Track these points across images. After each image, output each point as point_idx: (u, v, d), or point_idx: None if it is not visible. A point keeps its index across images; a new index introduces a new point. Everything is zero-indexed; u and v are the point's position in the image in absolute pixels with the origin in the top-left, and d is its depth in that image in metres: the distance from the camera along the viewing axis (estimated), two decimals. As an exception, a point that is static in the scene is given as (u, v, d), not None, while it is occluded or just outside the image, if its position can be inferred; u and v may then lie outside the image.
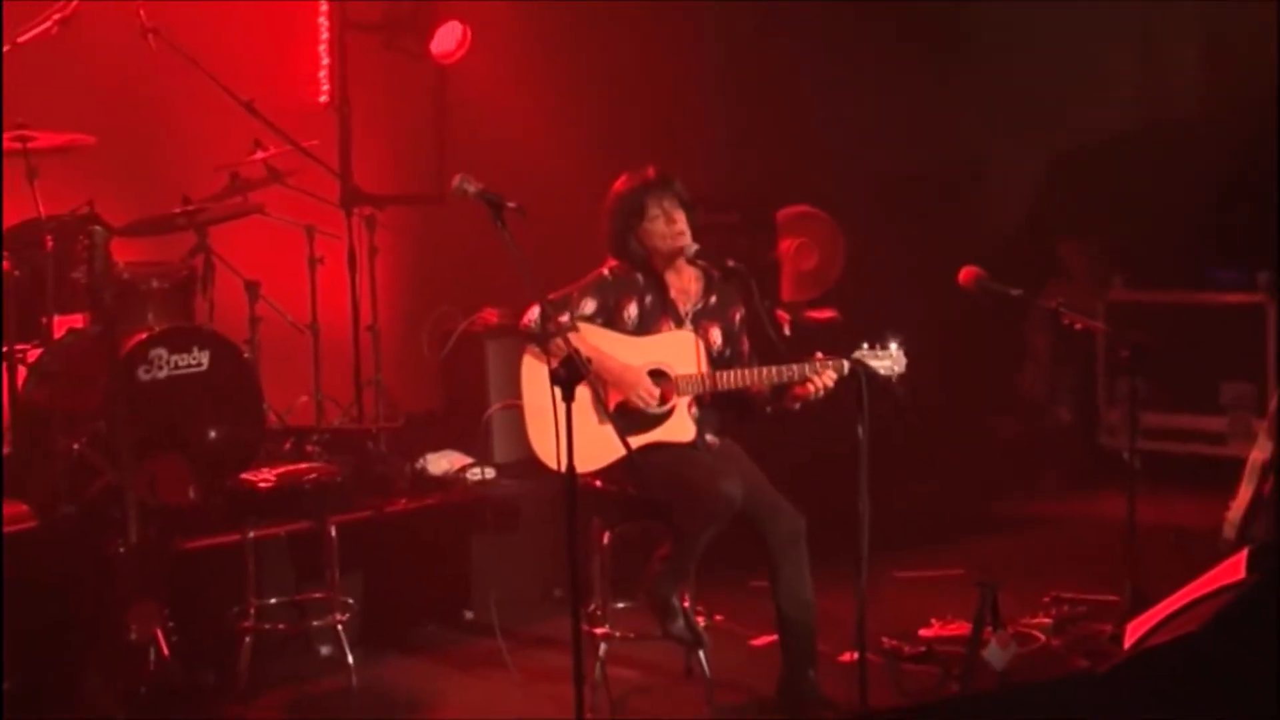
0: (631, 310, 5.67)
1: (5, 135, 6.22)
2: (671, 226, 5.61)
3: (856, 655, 5.01)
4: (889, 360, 5.33)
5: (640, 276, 5.70)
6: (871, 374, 5.27)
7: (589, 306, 5.58)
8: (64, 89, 6.54)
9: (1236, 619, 4.67)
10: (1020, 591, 6.35)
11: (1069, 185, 10.40)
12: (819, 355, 5.44)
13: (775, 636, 5.65)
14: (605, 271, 5.69)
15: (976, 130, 10.57)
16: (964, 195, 10.48)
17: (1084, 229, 9.73)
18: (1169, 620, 4.97)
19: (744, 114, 9.77)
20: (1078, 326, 9.02)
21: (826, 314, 8.56)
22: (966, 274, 6.25)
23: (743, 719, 5.61)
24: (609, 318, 5.61)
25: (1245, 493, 6.76)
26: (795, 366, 5.45)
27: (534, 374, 5.51)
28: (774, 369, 5.50)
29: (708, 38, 9.88)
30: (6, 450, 6.44)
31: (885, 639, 6.05)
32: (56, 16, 6.28)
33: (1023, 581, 6.55)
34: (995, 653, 5.53)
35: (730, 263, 5.70)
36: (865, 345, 5.35)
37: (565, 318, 5.40)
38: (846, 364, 5.37)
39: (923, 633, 6.23)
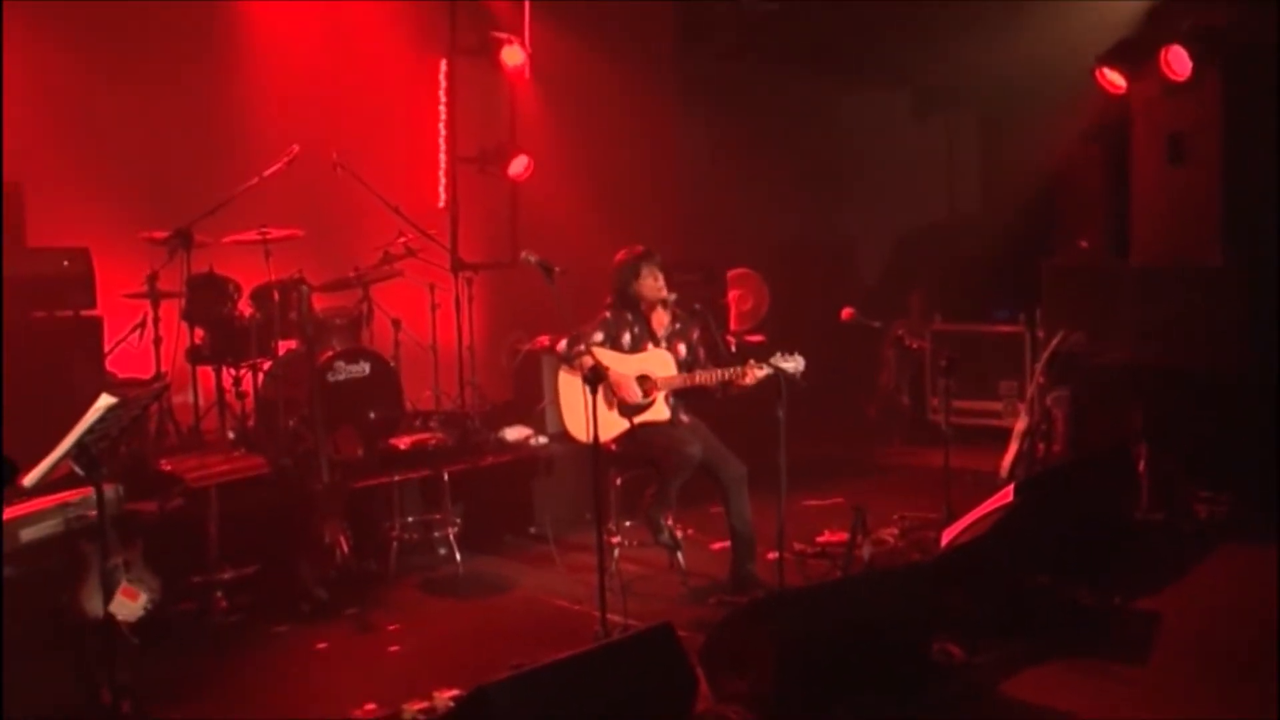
0: (625, 338, 5.69)
1: (253, 231, 6.31)
2: (657, 282, 5.68)
3: (778, 554, 5.08)
4: (794, 363, 5.30)
5: (629, 315, 5.71)
6: (782, 370, 5.27)
7: (597, 337, 5.61)
8: (288, 201, 6.56)
9: (1008, 527, 4.86)
10: (879, 512, 6.34)
11: (909, 253, 10.47)
12: (750, 361, 5.45)
13: (727, 543, 5.69)
14: (606, 314, 5.71)
15: (853, 217, 10.68)
16: (844, 259, 10.55)
17: (918, 283, 9.83)
18: (968, 528, 5.06)
19: (705, 209, 9.72)
20: (914, 345, 9.19)
21: (758, 338, 8.49)
22: (846, 312, 6.32)
23: (706, 596, 5.56)
24: (611, 344, 5.65)
25: (1012, 448, 6.87)
26: (733, 369, 5.47)
27: (566, 384, 5.58)
28: (719, 370, 5.53)
29: (678, 162, 9.89)
30: (251, 425, 6.53)
31: (796, 543, 6.05)
32: (285, 159, 6.36)
33: (880, 505, 6.54)
34: (864, 551, 5.59)
35: (696, 305, 5.78)
36: (779, 353, 5.33)
37: (582, 345, 5.38)
38: (768, 366, 5.35)
39: (819, 539, 6.23)
